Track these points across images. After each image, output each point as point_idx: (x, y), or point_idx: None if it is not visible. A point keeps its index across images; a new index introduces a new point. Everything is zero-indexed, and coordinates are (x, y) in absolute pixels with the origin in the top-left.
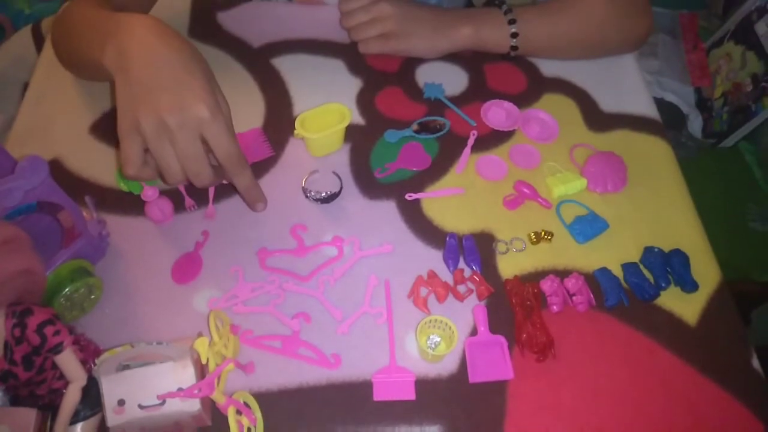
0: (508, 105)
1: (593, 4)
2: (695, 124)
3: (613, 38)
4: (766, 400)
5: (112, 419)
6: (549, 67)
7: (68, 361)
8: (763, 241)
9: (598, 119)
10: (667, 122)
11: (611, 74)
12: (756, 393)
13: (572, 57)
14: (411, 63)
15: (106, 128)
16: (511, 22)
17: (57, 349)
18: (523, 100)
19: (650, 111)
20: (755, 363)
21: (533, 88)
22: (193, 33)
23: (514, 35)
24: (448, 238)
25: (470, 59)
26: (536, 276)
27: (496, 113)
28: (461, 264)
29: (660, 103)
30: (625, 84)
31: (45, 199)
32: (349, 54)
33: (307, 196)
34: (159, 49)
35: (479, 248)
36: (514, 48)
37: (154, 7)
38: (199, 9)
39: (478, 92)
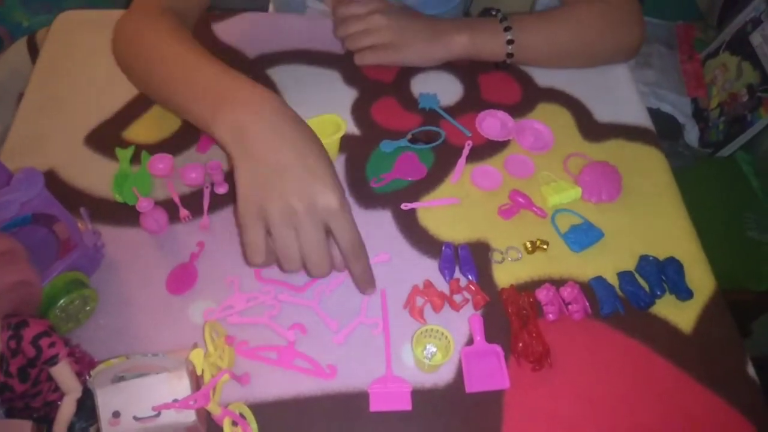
0: (502, 115)
1: (588, 13)
2: (691, 134)
3: (607, 47)
4: (762, 407)
5: (107, 431)
6: (543, 78)
7: (63, 373)
8: (760, 251)
9: (592, 129)
10: (664, 132)
11: (605, 84)
12: (751, 399)
13: (566, 65)
14: (406, 73)
15: (101, 139)
16: (507, 29)
17: (52, 361)
18: (518, 110)
19: (644, 121)
20: (750, 370)
21: (528, 98)
22: None
23: (510, 42)
24: (443, 248)
25: (465, 70)
26: (532, 285)
27: (491, 123)
28: (457, 273)
29: (656, 114)
30: (619, 94)
31: (41, 211)
32: (345, 65)
33: None
34: (285, 131)
35: (475, 258)
36: (509, 55)
37: None
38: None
39: (472, 102)
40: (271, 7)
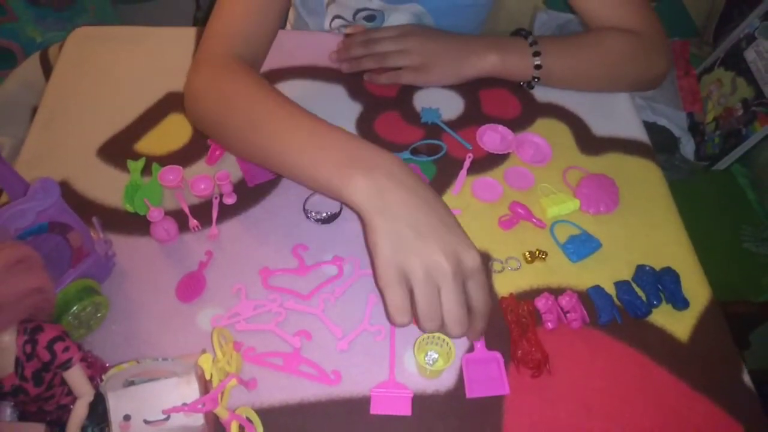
0: (502, 129)
1: (617, 41)
2: (687, 147)
3: (632, 76)
4: (757, 415)
5: None
6: (542, 93)
7: (76, 376)
8: (757, 263)
9: (590, 143)
10: (661, 146)
11: (603, 99)
12: (747, 408)
13: (590, 90)
14: (409, 88)
15: (113, 151)
16: (536, 54)
17: (66, 365)
18: (518, 124)
19: (641, 135)
20: (746, 378)
21: (527, 112)
22: None
23: (538, 67)
24: None
25: (466, 85)
26: (531, 294)
27: (491, 137)
28: None
29: (653, 127)
30: (616, 109)
31: (56, 220)
32: (349, 80)
33: (308, 217)
34: (420, 193)
35: None
36: (535, 78)
37: (159, 38)
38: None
39: (473, 117)
40: (288, 27)
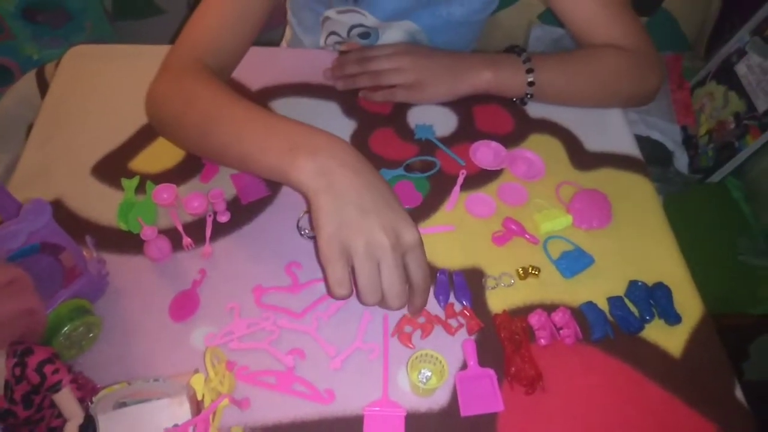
0: (495, 145)
1: (609, 58)
2: (681, 160)
3: (625, 92)
4: (750, 430)
5: None
6: (535, 109)
7: (66, 399)
8: (753, 275)
9: (582, 158)
10: (654, 159)
11: (595, 115)
12: (740, 424)
13: (583, 106)
14: (403, 105)
15: (107, 169)
16: (529, 71)
17: (56, 387)
18: (511, 140)
19: (633, 150)
20: (738, 393)
21: (520, 128)
22: None
23: (531, 84)
24: (438, 274)
25: (459, 102)
26: (524, 310)
27: (485, 153)
28: (452, 299)
29: (646, 141)
30: (609, 124)
31: (48, 241)
32: (344, 97)
33: (301, 234)
34: (365, 174)
35: (469, 284)
36: (528, 95)
37: (154, 56)
38: None
39: (467, 133)
40: (283, 44)
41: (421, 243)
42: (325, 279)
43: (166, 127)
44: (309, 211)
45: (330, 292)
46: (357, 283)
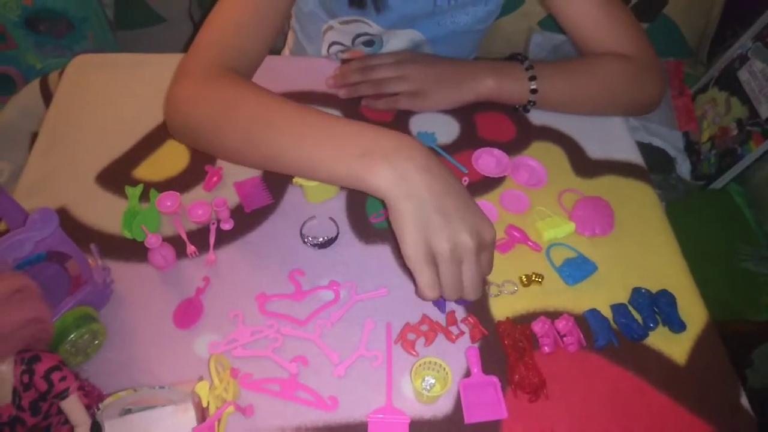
0: (498, 152)
1: (611, 67)
2: (683, 167)
3: (627, 101)
4: None
5: None
6: (537, 116)
7: (73, 406)
8: (756, 281)
9: (585, 165)
10: (657, 166)
11: (598, 122)
12: (745, 430)
13: (585, 114)
14: (405, 113)
15: (112, 177)
16: (532, 78)
17: (63, 394)
18: (513, 147)
19: (635, 157)
20: (744, 401)
21: (522, 136)
22: None
23: (534, 91)
24: None
25: (461, 109)
26: (528, 318)
27: (487, 160)
28: (453, 306)
29: (648, 148)
30: (611, 131)
31: (54, 249)
32: (346, 105)
33: (304, 242)
34: (442, 175)
35: None
36: (531, 102)
37: (157, 65)
38: None
39: (469, 140)
40: (285, 51)
41: (495, 238)
42: (415, 283)
43: (198, 133)
44: (387, 215)
45: (420, 295)
46: (441, 282)
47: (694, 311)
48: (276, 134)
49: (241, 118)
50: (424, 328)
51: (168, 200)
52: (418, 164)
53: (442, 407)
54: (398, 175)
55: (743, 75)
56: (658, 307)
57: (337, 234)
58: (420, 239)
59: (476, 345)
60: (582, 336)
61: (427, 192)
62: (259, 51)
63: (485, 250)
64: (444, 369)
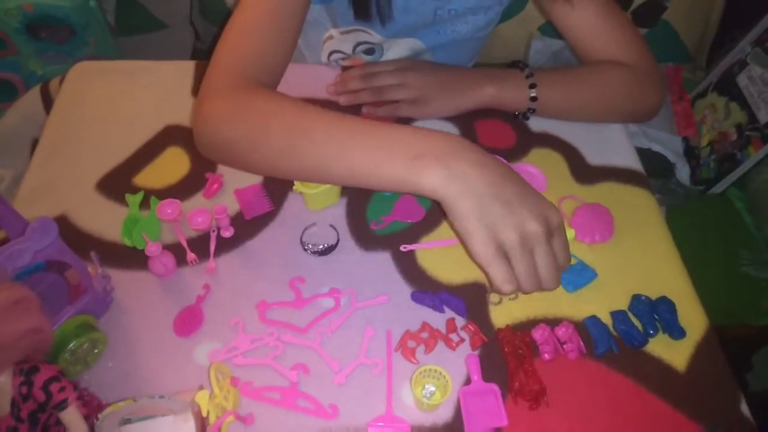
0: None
1: (611, 74)
2: (682, 172)
3: (626, 108)
4: None
5: None
6: (537, 123)
7: (72, 417)
8: (756, 286)
9: (584, 172)
10: (656, 171)
11: (597, 129)
12: None
13: (585, 121)
14: (405, 120)
15: (112, 185)
16: (532, 86)
17: (62, 405)
18: (513, 154)
19: (635, 164)
20: (744, 408)
21: (522, 143)
22: (196, 93)
23: (533, 99)
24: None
25: (461, 116)
26: (528, 325)
27: None
28: (450, 314)
29: (647, 153)
30: (611, 138)
31: (53, 259)
32: (347, 112)
33: (305, 249)
34: (495, 166)
35: (471, 298)
36: (531, 110)
37: (158, 72)
38: (202, 71)
39: None
40: None
41: (563, 221)
42: (490, 279)
43: (235, 151)
44: (448, 217)
45: (497, 290)
46: (516, 275)
47: (694, 318)
48: (320, 145)
49: (281, 131)
50: (425, 335)
51: (168, 208)
52: (471, 160)
53: (443, 415)
54: (451, 174)
55: (742, 80)
56: (658, 314)
57: (338, 241)
58: (486, 234)
59: (476, 352)
60: (582, 343)
61: (483, 185)
62: (283, 61)
63: (556, 235)
64: (444, 377)
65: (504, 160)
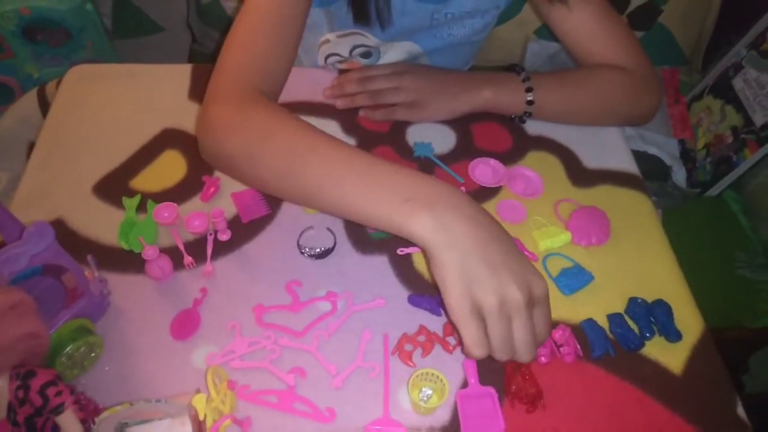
0: (494, 162)
1: (607, 77)
2: (679, 175)
3: (622, 112)
4: None
5: None
6: (534, 126)
7: (69, 421)
8: (752, 289)
9: (581, 175)
10: (652, 174)
11: (593, 132)
12: None
13: (581, 125)
14: (402, 123)
15: (109, 188)
16: (528, 90)
17: (58, 409)
18: (509, 157)
19: (631, 167)
20: (740, 411)
21: (519, 146)
22: (193, 96)
23: (530, 102)
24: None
25: (458, 119)
26: None
27: (483, 170)
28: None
29: (643, 156)
30: (607, 141)
31: (50, 263)
32: (343, 116)
33: (301, 252)
34: (486, 224)
35: None
36: (527, 113)
37: (155, 75)
38: (199, 74)
39: (465, 151)
40: None
41: (548, 294)
42: (460, 340)
43: (233, 162)
44: (429, 265)
45: (466, 352)
46: (490, 340)
47: (690, 321)
48: (314, 172)
49: (278, 151)
50: (421, 338)
51: (165, 211)
52: (463, 213)
53: (440, 418)
54: (440, 224)
55: (738, 83)
56: (655, 316)
57: (335, 244)
58: (464, 292)
59: None
60: (578, 346)
61: (470, 242)
62: (286, 66)
63: (537, 305)
64: (441, 380)
65: (503, 164)
